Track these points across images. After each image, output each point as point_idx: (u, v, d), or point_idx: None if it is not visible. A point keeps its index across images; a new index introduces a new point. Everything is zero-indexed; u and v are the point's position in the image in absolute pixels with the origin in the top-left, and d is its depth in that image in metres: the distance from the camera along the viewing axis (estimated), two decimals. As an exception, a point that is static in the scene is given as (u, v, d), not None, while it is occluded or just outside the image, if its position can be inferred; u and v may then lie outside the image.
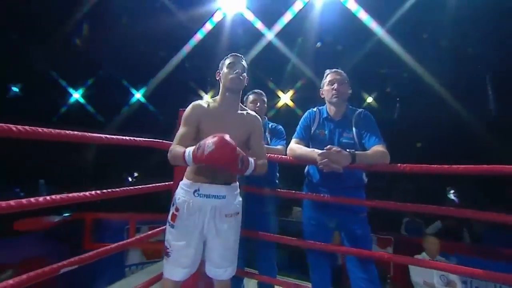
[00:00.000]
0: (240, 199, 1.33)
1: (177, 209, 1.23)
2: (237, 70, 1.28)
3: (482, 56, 6.26)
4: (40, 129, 1.01)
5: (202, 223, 1.21)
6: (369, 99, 8.45)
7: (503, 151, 5.70)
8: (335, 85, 1.54)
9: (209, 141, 1.02)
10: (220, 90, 1.33)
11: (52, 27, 5.95)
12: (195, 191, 1.22)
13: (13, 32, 6.18)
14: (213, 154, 1.00)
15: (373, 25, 5.46)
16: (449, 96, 6.59)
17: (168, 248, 1.24)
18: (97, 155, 8.51)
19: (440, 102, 6.67)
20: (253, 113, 1.38)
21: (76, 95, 9.19)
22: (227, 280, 1.29)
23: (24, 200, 0.98)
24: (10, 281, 0.97)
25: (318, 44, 6.33)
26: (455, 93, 6.60)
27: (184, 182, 1.28)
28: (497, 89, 6.91)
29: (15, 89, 8.96)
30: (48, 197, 1.04)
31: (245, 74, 1.31)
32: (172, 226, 1.23)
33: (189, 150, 1.09)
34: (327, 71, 1.63)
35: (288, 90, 8.85)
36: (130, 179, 8.35)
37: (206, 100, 1.33)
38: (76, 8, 5.53)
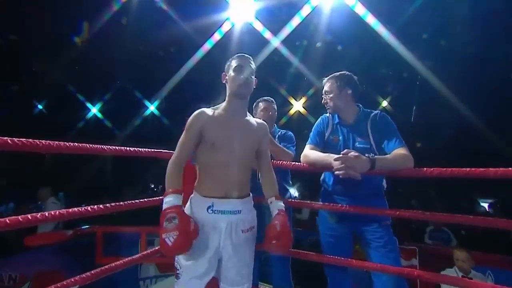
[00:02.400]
0: (255, 212, 1.25)
1: (197, 227, 1.13)
2: (244, 74, 1.18)
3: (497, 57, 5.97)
4: (62, 144, 1.05)
5: (218, 242, 1.12)
6: (384, 103, 8.24)
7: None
8: (322, 97, 1.51)
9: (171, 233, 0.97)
10: (227, 96, 1.23)
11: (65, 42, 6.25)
12: (208, 207, 1.13)
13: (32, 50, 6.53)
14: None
15: (381, 29, 5.35)
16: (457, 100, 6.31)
17: (178, 270, 1.15)
18: (114, 168, 8.73)
19: (452, 106, 6.39)
20: (261, 121, 1.31)
21: (94, 110, 9.57)
22: None
23: (29, 216, 0.97)
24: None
25: (318, 44, 6.25)
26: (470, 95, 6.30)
27: (195, 197, 1.19)
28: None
29: (40, 106, 9.47)
30: (52, 212, 1.02)
31: (253, 77, 1.22)
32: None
33: (170, 199, 1.04)
34: (324, 79, 1.56)
35: (301, 97, 8.80)
36: (154, 189, 8.41)
37: (212, 107, 1.24)
38: (89, 23, 5.80)
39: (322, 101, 1.54)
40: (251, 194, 1.24)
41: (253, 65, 1.22)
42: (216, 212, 1.12)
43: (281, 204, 1.20)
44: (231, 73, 1.20)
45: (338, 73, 1.52)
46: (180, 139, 1.19)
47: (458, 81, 6.12)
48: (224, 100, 1.25)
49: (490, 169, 1.00)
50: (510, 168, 0.97)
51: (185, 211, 1.16)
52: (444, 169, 1.07)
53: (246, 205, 1.18)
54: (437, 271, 2.42)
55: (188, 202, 1.20)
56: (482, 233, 4.06)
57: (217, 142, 1.14)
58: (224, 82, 1.24)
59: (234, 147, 1.15)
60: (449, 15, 5.23)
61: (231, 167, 1.14)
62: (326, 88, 1.52)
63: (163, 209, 1.04)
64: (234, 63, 1.20)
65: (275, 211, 1.18)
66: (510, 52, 5.41)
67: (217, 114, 1.19)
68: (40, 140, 0.99)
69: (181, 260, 1.14)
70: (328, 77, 1.53)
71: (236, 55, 1.23)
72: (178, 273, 1.15)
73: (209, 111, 1.20)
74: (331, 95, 1.48)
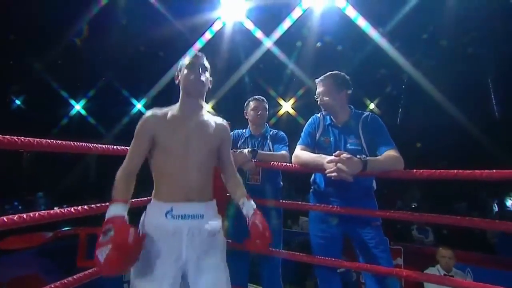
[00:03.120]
0: (220, 218, 1.14)
1: (143, 236, 0.98)
2: (197, 71, 1.09)
3: (484, 60, 6.24)
4: (43, 141, 0.98)
5: (178, 251, 0.99)
6: (371, 106, 8.42)
7: (503, 154, 5.61)
8: (318, 96, 1.49)
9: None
10: (180, 95, 1.14)
11: (53, 37, 6.01)
12: (167, 212, 1.01)
13: (14, 43, 6.25)
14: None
15: (372, 31, 5.47)
16: (447, 102, 6.54)
17: None
18: (98, 167, 8.46)
19: (440, 107, 6.62)
20: (222, 121, 1.21)
21: (78, 107, 9.24)
22: None
23: (5, 218, 0.91)
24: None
25: (318, 44, 6.33)
26: (456, 98, 6.55)
27: (152, 204, 1.07)
28: (499, 94, 6.88)
29: (18, 101, 9.05)
30: (31, 214, 0.96)
31: (207, 74, 1.14)
32: (137, 260, 0.93)
33: (110, 209, 0.93)
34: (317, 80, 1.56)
35: (290, 98, 8.85)
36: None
37: (163, 108, 1.13)
38: (76, 18, 5.60)
39: (318, 102, 1.51)
40: (214, 200, 1.15)
41: (206, 63, 1.15)
42: (175, 217, 1.00)
43: (253, 204, 1.14)
44: (184, 71, 1.11)
45: (333, 72, 1.51)
46: (130, 146, 1.08)
47: (445, 83, 6.33)
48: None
49: (476, 171, 1.03)
50: (494, 170, 1.00)
51: (140, 220, 1.07)
52: (433, 171, 1.10)
53: (209, 209, 1.09)
54: (420, 270, 2.48)
55: (144, 212, 1.08)
56: (462, 232, 4.23)
57: (171, 146, 1.05)
58: (177, 82, 1.16)
59: (190, 150, 1.06)
60: (439, 18, 5.39)
61: (189, 171, 1.05)
62: (321, 88, 1.49)
63: (105, 220, 0.92)
64: (186, 61, 1.12)
65: (250, 211, 1.11)
66: (499, 52, 5.66)
67: (170, 116, 1.09)
68: (19, 137, 0.92)
69: (134, 280, 0.99)
70: (323, 77, 1.52)
71: (190, 54, 1.15)
72: None
73: (160, 112, 1.10)
74: (327, 96, 1.47)
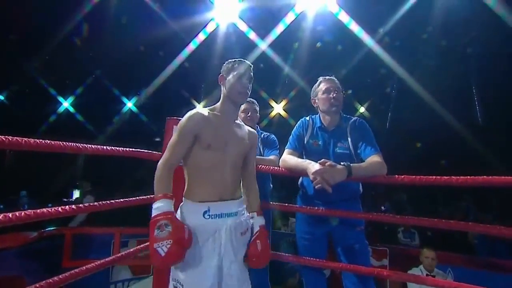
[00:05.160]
0: (248, 214, 1.22)
1: (191, 234, 1.04)
2: (247, 84, 1.17)
3: (471, 64, 6.46)
4: (32, 141, 0.97)
5: (219, 249, 1.06)
6: (362, 109, 8.57)
7: (490, 158, 5.82)
8: (333, 94, 1.47)
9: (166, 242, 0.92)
10: (222, 99, 1.21)
11: (43, 33, 5.87)
12: (204, 212, 1.06)
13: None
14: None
15: (364, 36, 5.58)
16: (438, 105, 6.72)
17: (177, 287, 1.04)
18: (85, 166, 8.28)
19: (430, 110, 6.79)
20: (253, 130, 1.30)
21: (66, 104, 9.02)
22: None
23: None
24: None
25: (318, 44, 6.40)
26: (444, 101, 6.74)
27: (187, 204, 1.12)
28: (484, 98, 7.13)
29: (0, 97, 8.75)
30: (17, 213, 0.95)
31: (251, 85, 1.21)
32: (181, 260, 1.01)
33: (160, 205, 0.99)
34: (321, 78, 1.56)
35: (281, 100, 8.91)
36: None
37: (204, 108, 1.20)
38: (67, 15, 5.48)
39: (335, 96, 1.47)
40: (243, 196, 1.23)
41: (252, 73, 1.22)
42: (213, 216, 1.07)
43: (261, 220, 1.22)
44: (232, 78, 1.17)
45: (331, 76, 1.55)
46: (172, 141, 1.13)
47: (436, 87, 6.50)
48: (218, 101, 1.22)
49: (453, 177, 1.09)
50: (468, 177, 1.07)
51: None
52: (414, 176, 1.15)
53: (240, 206, 1.17)
54: (405, 270, 2.57)
55: (178, 211, 1.13)
56: (444, 234, 4.37)
57: (213, 143, 1.11)
58: (220, 84, 1.22)
59: (228, 149, 1.14)
60: (430, 22, 5.54)
61: (225, 168, 1.13)
62: (338, 86, 1.51)
63: (153, 215, 0.98)
64: (236, 69, 1.18)
65: (256, 228, 1.19)
66: (487, 55, 5.86)
67: (212, 116, 1.17)
68: (7, 137, 0.91)
69: (179, 275, 1.04)
70: (332, 77, 1.55)
71: (238, 60, 1.21)
72: None
73: (203, 111, 1.16)
74: (340, 92, 1.50)
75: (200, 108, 1.18)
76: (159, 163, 1.10)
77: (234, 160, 1.16)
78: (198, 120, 1.12)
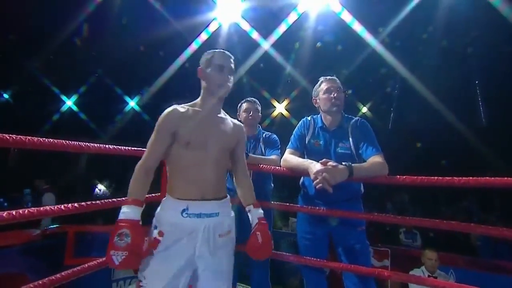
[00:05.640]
0: (233, 214, 1.18)
1: (161, 234, 1.02)
2: (227, 75, 1.11)
3: (474, 64, 6.41)
4: (36, 139, 0.98)
5: (193, 249, 1.02)
6: (364, 109, 8.55)
7: (492, 158, 5.78)
8: (334, 94, 1.47)
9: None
10: (202, 93, 1.15)
11: (47, 32, 5.91)
12: (183, 210, 1.03)
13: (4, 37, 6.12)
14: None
15: (367, 36, 5.56)
16: (441, 105, 6.68)
17: (142, 281, 1.01)
18: (88, 165, 8.33)
19: (432, 111, 6.76)
20: (238, 122, 1.25)
21: (69, 103, 9.09)
22: None
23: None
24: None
25: (318, 44, 6.39)
26: (448, 102, 6.69)
27: (167, 200, 1.09)
28: (490, 98, 7.07)
29: (5, 95, 8.83)
30: (21, 211, 0.97)
31: (232, 78, 1.15)
32: (152, 254, 1.01)
33: (127, 210, 0.97)
34: (322, 78, 1.56)
35: (283, 100, 8.91)
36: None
37: (184, 104, 1.15)
38: (70, 14, 5.52)
39: (336, 95, 1.46)
40: (228, 196, 1.17)
41: (233, 65, 1.16)
42: (191, 215, 1.03)
43: (260, 212, 1.18)
44: (211, 70, 1.12)
45: (332, 76, 1.55)
46: (150, 141, 1.08)
47: (439, 87, 6.46)
48: (199, 96, 1.17)
49: (455, 178, 1.08)
50: (471, 178, 1.06)
51: (156, 215, 1.08)
52: (415, 177, 1.15)
53: (223, 207, 1.11)
54: (406, 271, 2.56)
55: (160, 206, 1.10)
56: (446, 235, 4.34)
57: (192, 140, 1.07)
58: (200, 77, 1.16)
59: (209, 146, 1.09)
60: (432, 22, 5.52)
61: (206, 166, 1.08)
62: (339, 86, 1.50)
63: (118, 219, 0.96)
64: (215, 61, 1.12)
65: (255, 220, 1.15)
66: (490, 55, 5.81)
67: (192, 112, 1.11)
68: (11, 135, 0.92)
69: (146, 271, 1.01)
70: (333, 77, 1.54)
71: (217, 51, 1.15)
72: (141, 286, 1.01)
73: (181, 108, 1.11)
74: (342, 93, 1.50)
75: (178, 105, 1.13)
76: (137, 165, 1.06)
77: (217, 158, 1.10)
78: (175, 117, 1.08)
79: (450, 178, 1.09)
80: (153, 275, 1.00)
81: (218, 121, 1.16)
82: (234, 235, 1.16)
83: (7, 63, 6.88)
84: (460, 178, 1.06)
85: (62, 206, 1.16)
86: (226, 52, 1.15)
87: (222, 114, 1.20)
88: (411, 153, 7.38)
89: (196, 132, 1.07)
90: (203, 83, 1.15)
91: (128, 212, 0.97)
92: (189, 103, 1.16)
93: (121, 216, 0.96)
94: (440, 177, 1.10)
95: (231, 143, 1.17)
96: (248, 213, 1.19)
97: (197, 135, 1.07)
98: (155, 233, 1.04)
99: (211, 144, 1.09)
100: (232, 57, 1.16)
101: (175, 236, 1.02)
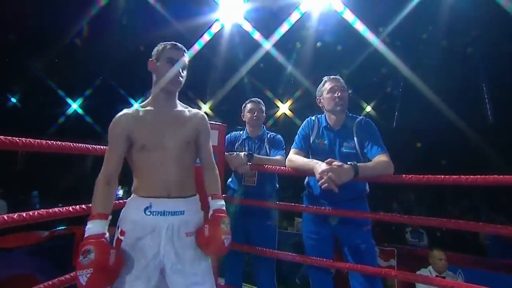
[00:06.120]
0: (202, 214, 1.12)
1: (122, 233, 0.99)
2: (177, 68, 1.05)
3: (478, 64, 6.35)
4: (44, 142, 0.99)
5: (156, 248, 0.98)
6: (368, 108, 8.50)
7: (497, 157, 5.70)
8: (338, 93, 1.46)
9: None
10: (154, 89, 1.10)
11: (52, 35, 6.00)
12: (146, 208, 0.99)
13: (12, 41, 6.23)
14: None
15: (370, 35, 5.53)
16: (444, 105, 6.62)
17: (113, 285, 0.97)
18: (94, 166, 8.41)
19: (436, 110, 6.69)
20: (199, 111, 1.18)
21: (74, 106, 9.20)
22: None
23: (5, 216, 0.93)
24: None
25: (318, 44, 6.37)
26: (452, 101, 6.63)
27: (132, 198, 1.05)
28: (494, 97, 6.99)
29: (13, 99, 8.98)
30: (31, 213, 0.98)
31: (185, 72, 1.10)
32: (119, 276, 0.94)
33: (90, 226, 0.92)
34: (325, 78, 1.56)
35: (287, 100, 8.89)
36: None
37: (135, 106, 1.10)
38: (77, 17, 5.59)
39: (340, 95, 1.46)
40: (197, 195, 1.12)
41: (187, 59, 1.11)
42: (154, 213, 0.99)
43: (218, 204, 1.10)
44: (161, 64, 1.07)
45: (336, 75, 1.54)
46: (107, 150, 1.05)
47: (443, 87, 6.41)
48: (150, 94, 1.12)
49: (462, 176, 1.07)
50: (478, 176, 1.05)
51: (120, 214, 1.05)
52: (421, 176, 1.14)
53: (190, 205, 1.07)
54: (413, 271, 2.53)
55: (125, 205, 1.07)
56: (454, 234, 4.29)
57: (148, 142, 1.03)
58: (150, 70, 1.11)
59: (167, 145, 1.04)
60: (436, 21, 5.47)
61: (167, 166, 1.03)
62: (343, 85, 1.50)
63: (84, 237, 0.92)
64: (166, 54, 1.07)
65: (210, 212, 1.10)
66: (494, 54, 5.74)
67: (143, 113, 1.07)
68: (20, 138, 0.94)
69: None
70: (337, 76, 1.54)
71: (169, 43, 1.09)
72: None
73: (131, 111, 1.08)
74: (346, 92, 1.49)
75: (127, 109, 1.09)
76: (97, 178, 1.02)
77: (177, 155, 1.05)
78: (125, 121, 1.04)
79: (457, 176, 1.07)
80: (119, 278, 0.96)
81: (174, 116, 1.10)
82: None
83: (12, 67, 7.00)
84: (468, 176, 1.05)
85: (71, 208, 1.18)
86: (178, 44, 1.10)
87: (179, 107, 1.14)
88: (416, 152, 7.32)
89: (150, 134, 1.04)
90: (154, 77, 1.10)
91: (92, 227, 0.93)
92: (141, 103, 1.11)
93: (86, 233, 0.93)
94: (447, 176, 1.09)
95: (191, 136, 1.11)
96: (209, 203, 1.13)
97: (152, 136, 1.04)
98: (117, 232, 1.02)
99: (169, 142, 1.05)
100: (185, 50, 1.10)
101: (136, 234, 0.98)
